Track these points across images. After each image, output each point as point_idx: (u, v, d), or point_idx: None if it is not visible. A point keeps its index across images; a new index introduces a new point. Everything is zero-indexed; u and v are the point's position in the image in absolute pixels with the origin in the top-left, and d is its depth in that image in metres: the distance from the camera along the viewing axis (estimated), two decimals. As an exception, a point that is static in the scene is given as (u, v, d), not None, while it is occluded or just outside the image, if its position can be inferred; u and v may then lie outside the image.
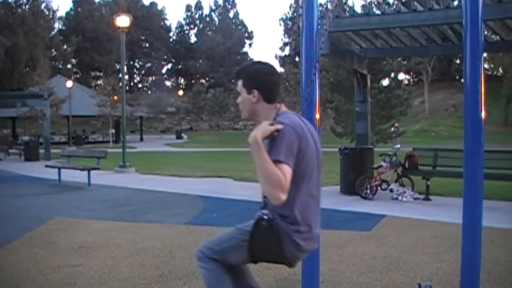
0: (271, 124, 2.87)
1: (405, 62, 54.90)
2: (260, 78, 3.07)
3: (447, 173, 12.13)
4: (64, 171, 16.09)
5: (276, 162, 2.78)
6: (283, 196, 2.75)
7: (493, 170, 10.88)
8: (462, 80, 4.35)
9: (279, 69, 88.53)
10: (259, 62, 3.26)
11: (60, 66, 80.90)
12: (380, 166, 12.49)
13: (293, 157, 2.83)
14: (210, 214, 10.09)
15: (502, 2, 9.76)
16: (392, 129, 35.43)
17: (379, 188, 12.28)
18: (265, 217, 3.06)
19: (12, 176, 18.42)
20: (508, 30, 11.83)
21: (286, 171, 2.76)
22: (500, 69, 63.11)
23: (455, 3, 10.90)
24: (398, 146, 32.33)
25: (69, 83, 43.80)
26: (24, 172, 19.59)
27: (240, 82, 3.13)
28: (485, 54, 6.34)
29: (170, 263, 6.17)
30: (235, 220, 9.32)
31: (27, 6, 68.98)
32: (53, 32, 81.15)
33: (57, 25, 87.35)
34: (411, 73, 73.24)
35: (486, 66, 54.77)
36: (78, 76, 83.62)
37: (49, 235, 7.97)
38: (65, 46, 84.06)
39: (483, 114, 4.22)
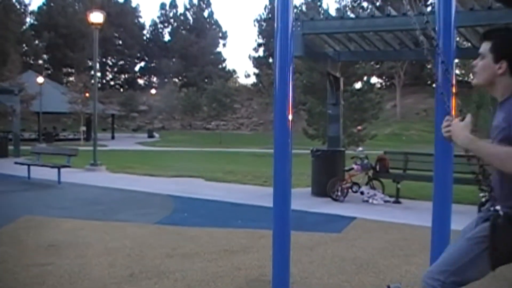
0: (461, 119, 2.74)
1: (378, 66, 55.44)
2: None
3: (417, 177, 12.26)
4: (34, 169, 15.90)
5: None
6: None
7: (463, 175, 11.02)
8: (434, 85, 4.41)
9: (253, 70, 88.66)
10: None
11: (31, 62, 79.78)
12: (352, 169, 12.58)
13: None
14: (181, 214, 10.06)
15: (474, 10, 9.91)
16: (355, 131, 35.63)
17: (350, 190, 12.35)
18: (501, 213, 2.74)
19: (-20, 173, 18.15)
20: (479, 37, 12.00)
21: None
22: (471, 75, 63.98)
23: (429, 9, 11.03)
24: (361, 149, 32.43)
25: (40, 79, 43.32)
26: (-8, 169, 19.31)
27: (488, 45, 2.80)
28: (456, 60, 6.43)
29: (140, 263, 6.14)
30: (206, 220, 9.33)
31: (-3, 0, 68.07)
32: (24, 27, 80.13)
33: (29, 20, 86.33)
34: (384, 77, 73.87)
35: (457, 71, 55.46)
36: (49, 72, 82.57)
37: (18, 233, 7.87)
38: (36, 42, 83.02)
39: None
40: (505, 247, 2.69)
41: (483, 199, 2.94)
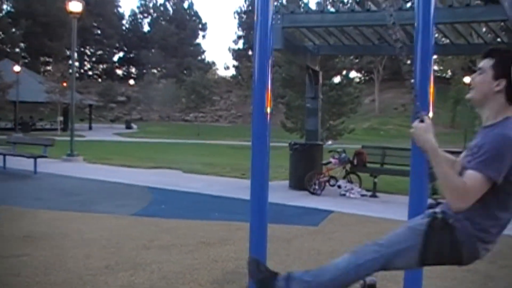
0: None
1: (357, 61, 55.56)
2: None
3: (394, 171, 12.37)
4: (10, 158, 15.73)
5: (471, 169, 2.62)
6: (462, 205, 2.59)
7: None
8: (412, 80, 4.44)
9: (232, 62, 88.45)
10: None
11: (8, 50, 78.67)
12: (329, 163, 12.65)
13: (498, 168, 2.60)
14: (159, 205, 10.04)
15: (453, 7, 9.99)
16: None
17: (327, 184, 12.42)
18: (439, 215, 2.83)
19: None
20: (458, 34, 12.12)
21: (474, 179, 2.58)
22: (449, 71, 64.51)
23: (408, 5, 11.10)
24: (330, 142, 32.60)
25: (17, 68, 42.79)
26: (-33, 158, 19.07)
27: (490, 62, 2.82)
28: (435, 56, 6.50)
29: (117, 254, 6.12)
30: (184, 212, 9.33)
31: (-27, -14, 67.07)
32: (0, 14, 79.04)
33: (6, 7, 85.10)
34: (363, 72, 74.20)
35: (435, 67, 55.85)
36: (26, 61, 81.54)
37: (-8, 223, 7.80)
38: (13, 29, 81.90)
39: (430, 115, 4.32)
40: (434, 248, 2.79)
41: (435, 202, 3.04)
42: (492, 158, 2.57)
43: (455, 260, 2.83)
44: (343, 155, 12.69)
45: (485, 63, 2.84)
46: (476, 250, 2.78)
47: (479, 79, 2.85)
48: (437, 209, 2.89)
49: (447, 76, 64.45)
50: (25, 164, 15.01)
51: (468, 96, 2.92)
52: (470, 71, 47.57)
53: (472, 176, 2.59)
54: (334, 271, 3.04)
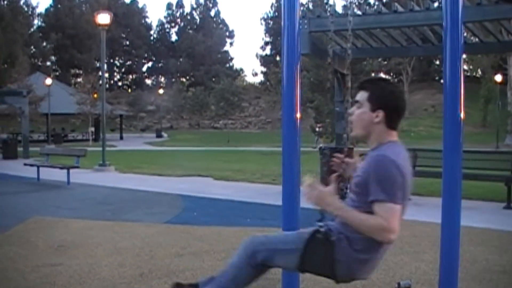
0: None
1: (385, 63, 55.26)
2: (392, 100, 2.94)
3: (426, 173, 12.21)
4: (43, 170, 15.95)
5: (376, 202, 2.72)
6: (393, 236, 2.77)
7: (472, 170, 11.00)
8: (442, 80, 4.41)
9: (260, 68, 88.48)
10: (391, 82, 3.16)
11: (39, 63, 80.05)
12: (360, 166, 12.55)
13: (396, 190, 2.79)
14: (190, 213, 10.07)
15: (481, 5, 9.88)
16: (317, 129, 35.59)
17: (359, 187, 12.32)
18: (322, 229, 2.97)
19: (-10, 174, 18.23)
20: (487, 32, 11.97)
21: (390, 211, 2.73)
22: (478, 70, 63.73)
23: (435, 4, 11.01)
24: (321, 145, 32.40)
25: (48, 81, 43.40)
26: (2, 171, 19.37)
27: (365, 95, 2.96)
28: (464, 56, 6.42)
29: (150, 262, 6.15)
30: (215, 219, 9.35)
31: (5, 2, 68.22)
32: (32, 29, 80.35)
33: (37, 22, 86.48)
34: (391, 74, 73.64)
35: (465, 67, 55.20)
36: (57, 73, 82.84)
37: (27, 234, 7.90)
38: (44, 43, 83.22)
39: (462, 115, 4.26)
40: (312, 258, 2.92)
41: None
42: (384, 183, 2.69)
43: (329, 275, 2.92)
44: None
45: (361, 96, 2.96)
46: (351, 271, 2.87)
47: (358, 114, 2.97)
48: (324, 223, 3.01)
49: (477, 75, 63.66)
50: (58, 175, 15.20)
51: (352, 134, 3.10)
52: (501, 69, 46.98)
53: (383, 208, 2.70)
54: (231, 269, 3.09)
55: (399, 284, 4.84)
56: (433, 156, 12.14)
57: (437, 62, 63.98)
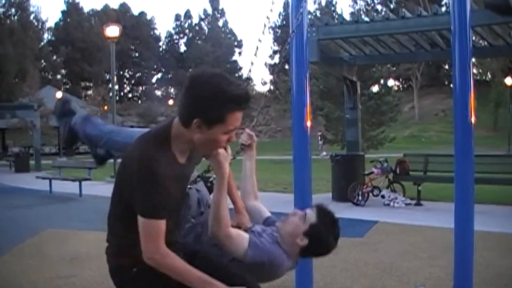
0: None
1: (394, 69, 55.19)
2: None
3: (438, 178, 12.18)
4: (55, 182, 16.02)
5: None
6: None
7: (484, 175, 10.95)
8: (451, 85, 4.39)
9: (269, 77, 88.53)
10: None
11: (50, 77, 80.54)
12: (372, 173, 12.53)
13: None
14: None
15: (489, 8, 9.85)
16: (319, 138, 35.76)
17: (370, 194, 12.30)
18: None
19: (2, 188, 18.33)
20: (495, 35, 11.93)
21: None
22: (488, 74, 63.55)
23: (443, 9, 11.00)
24: (324, 153, 32.64)
25: (59, 94, 43.65)
26: (14, 184, 19.50)
27: None
28: (473, 59, 6.38)
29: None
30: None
31: (16, 17, 68.88)
32: (42, 43, 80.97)
33: (46, 36, 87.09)
34: (401, 79, 73.53)
35: (474, 71, 55.12)
36: (68, 86, 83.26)
37: (41, 246, 7.94)
38: (54, 57, 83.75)
39: (473, 119, 4.26)
40: None
41: None
42: None
43: None
44: (385, 164, 12.57)
45: None
46: None
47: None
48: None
49: (487, 79, 63.45)
50: (71, 187, 15.26)
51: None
52: (511, 72, 46.78)
53: None
54: None
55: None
56: (444, 161, 12.12)
57: (446, 67, 63.76)
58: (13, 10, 70.27)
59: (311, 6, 78.14)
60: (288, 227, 2.80)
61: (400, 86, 75.13)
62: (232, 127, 2.35)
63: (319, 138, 36.12)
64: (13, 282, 5.86)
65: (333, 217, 2.85)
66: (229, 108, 2.28)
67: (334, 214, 2.84)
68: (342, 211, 10.97)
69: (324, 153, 33.28)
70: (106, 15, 79.13)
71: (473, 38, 11.80)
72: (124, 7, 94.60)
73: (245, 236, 2.65)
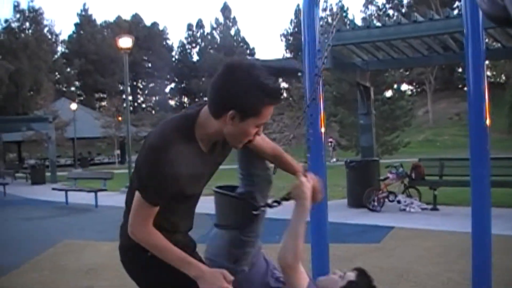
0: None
1: (407, 73, 54.95)
2: None
3: (454, 182, 12.10)
4: (71, 193, 16.11)
5: None
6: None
7: (500, 178, 10.86)
8: (465, 88, 4.36)
9: (282, 84, 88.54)
10: None
11: (64, 89, 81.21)
12: (387, 178, 12.48)
13: None
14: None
15: (502, 10, 9.79)
16: (329, 144, 35.72)
17: (386, 200, 12.25)
18: None
19: (19, 200, 18.46)
20: (509, 37, 11.86)
21: None
22: (502, 76, 63.11)
23: (455, 12, 10.95)
24: (334, 160, 32.72)
25: (73, 106, 43.99)
26: (31, 196, 19.62)
27: None
28: (487, 62, 6.37)
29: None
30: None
31: (30, 31, 69.55)
32: (56, 56, 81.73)
33: (60, 49, 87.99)
34: (414, 84, 73.27)
35: (488, 73, 54.81)
36: (82, 98, 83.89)
37: (57, 258, 7.98)
38: (68, 69, 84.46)
39: (487, 122, 4.22)
40: None
41: None
42: None
43: None
44: (401, 169, 12.52)
45: None
46: None
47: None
48: None
49: (501, 81, 63.03)
50: (86, 198, 15.34)
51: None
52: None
53: None
54: None
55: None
56: (460, 164, 12.04)
57: (460, 70, 63.47)
58: (27, 24, 70.99)
59: (322, 12, 78.12)
60: (326, 282, 2.82)
61: (414, 90, 74.89)
62: (264, 121, 2.33)
63: (329, 144, 36.12)
64: (30, 294, 5.89)
65: (371, 282, 2.86)
66: (266, 102, 2.24)
67: (374, 281, 2.87)
68: (358, 217, 10.94)
69: (334, 159, 33.32)
70: (118, 27, 79.69)
71: (486, 40, 11.76)
72: (136, 18, 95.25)
73: (306, 277, 2.64)
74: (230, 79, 2.26)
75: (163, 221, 2.43)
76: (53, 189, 18.00)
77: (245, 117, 2.24)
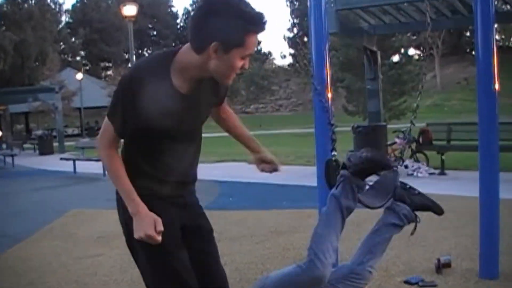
0: None
1: (414, 37, 54.46)
2: None
3: (462, 147, 12.08)
4: (79, 163, 16.18)
5: None
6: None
7: (508, 142, 10.82)
8: (474, 52, 4.31)
9: (289, 50, 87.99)
10: None
11: (69, 59, 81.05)
12: (394, 143, 12.45)
13: None
14: (226, 198, 10.13)
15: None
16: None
17: (394, 165, 12.23)
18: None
19: (28, 171, 18.56)
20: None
21: None
22: (511, 39, 62.51)
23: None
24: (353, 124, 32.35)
25: (79, 75, 44.00)
26: (39, 166, 19.72)
27: None
28: (496, 25, 6.27)
29: (189, 249, 6.19)
30: (252, 203, 9.37)
31: (33, 1, 69.07)
32: (60, 26, 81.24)
33: (64, 18, 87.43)
34: (421, 48, 72.69)
35: (497, 37, 54.24)
36: (87, 68, 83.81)
37: (68, 227, 8.05)
38: (73, 39, 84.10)
39: (496, 86, 4.19)
40: None
41: None
42: None
43: None
44: (408, 134, 12.49)
45: None
46: None
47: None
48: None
49: (510, 44, 62.44)
50: (94, 167, 15.38)
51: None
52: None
53: None
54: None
55: (439, 260, 4.82)
56: (468, 129, 12.00)
57: (468, 34, 62.83)
58: (30, -6, 70.58)
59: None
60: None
61: (421, 55, 74.35)
62: (249, 51, 2.27)
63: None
64: (43, 263, 5.95)
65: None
66: (248, 30, 2.20)
67: None
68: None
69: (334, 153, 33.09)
70: (122, -5, 79.03)
71: (495, 2, 11.58)
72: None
73: None
74: (209, 10, 2.22)
75: (153, 163, 2.49)
76: (61, 159, 18.08)
77: (229, 48, 2.20)
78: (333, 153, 3.60)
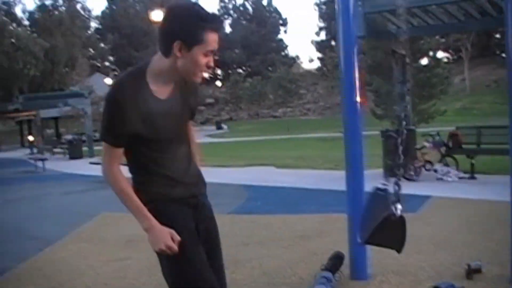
0: None
1: (443, 40, 53.94)
2: None
3: (492, 151, 11.92)
4: (108, 167, 16.32)
5: None
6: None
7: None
8: (503, 54, 4.26)
9: (316, 54, 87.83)
10: None
11: (98, 64, 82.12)
12: (424, 147, 12.35)
13: None
14: (254, 202, 10.13)
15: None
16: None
17: (423, 169, 12.14)
18: None
19: (58, 175, 18.80)
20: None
21: None
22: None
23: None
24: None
25: (108, 80, 44.46)
26: (69, 170, 19.96)
27: None
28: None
29: (217, 253, 6.21)
30: (279, 207, 9.37)
31: (63, 8, 70.05)
32: (89, 31, 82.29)
33: (93, 24, 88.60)
34: (450, 51, 72.00)
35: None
36: (116, 73, 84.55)
37: (97, 230, 8.13)
38: (102, 44, 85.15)
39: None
40: None
41: None
42: None
43: None
44: (437, 138, 12.37)
45: None
46: None
47: None
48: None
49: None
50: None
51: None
52: None
53: None
54: None
55: (469, 265, 4.75)
56: (498, 132, 11.82)
57: (498, 36, 62.00)
58: (60, 1, 71.57)
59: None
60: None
61: (450, 57, 73.62)
62: (211, 48, 2.47)
63: None
64: (71, 265, 6.02)
65: None
66: (205, 27, 2.40)
67: None
68: (394, 186, 10.86)
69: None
70: (150, 0, 79.73)
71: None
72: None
73: None
74: (171, 15, 2.48)
75: (159, 162, 2.66)
76: (91, 163, 18.20)
77: (190, 45, 2.40)
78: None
